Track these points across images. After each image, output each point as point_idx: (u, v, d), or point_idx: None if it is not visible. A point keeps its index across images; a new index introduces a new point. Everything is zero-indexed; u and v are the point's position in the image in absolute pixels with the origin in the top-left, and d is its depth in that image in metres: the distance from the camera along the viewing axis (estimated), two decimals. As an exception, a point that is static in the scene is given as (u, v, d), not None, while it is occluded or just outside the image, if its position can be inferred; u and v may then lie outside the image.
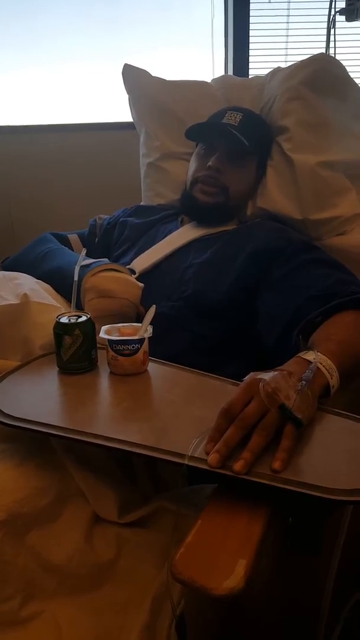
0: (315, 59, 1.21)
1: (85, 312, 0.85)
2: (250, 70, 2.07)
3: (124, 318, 0.96)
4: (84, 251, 1.00)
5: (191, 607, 0.59)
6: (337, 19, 1.65)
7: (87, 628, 0.67)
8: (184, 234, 1.17)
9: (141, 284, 1.03)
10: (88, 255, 1.05)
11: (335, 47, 1.67)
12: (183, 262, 1.10)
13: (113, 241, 1.30)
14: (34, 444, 0.73)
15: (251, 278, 1.01)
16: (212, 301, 1.02)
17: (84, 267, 0.99)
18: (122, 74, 1.41)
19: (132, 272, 1.11)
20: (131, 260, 1.16)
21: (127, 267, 1.11)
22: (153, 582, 0.68)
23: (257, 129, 1.22)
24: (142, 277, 1.09)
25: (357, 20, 1.62)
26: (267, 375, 0.66)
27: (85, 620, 0.67)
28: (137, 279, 1.06)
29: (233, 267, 1.04)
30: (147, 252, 1.16)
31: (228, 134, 1.15)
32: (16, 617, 0.65)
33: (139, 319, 0.87)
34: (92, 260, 1.03)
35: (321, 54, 1.29)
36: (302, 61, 1.23)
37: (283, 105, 1.22)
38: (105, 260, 1.05)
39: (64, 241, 1.31)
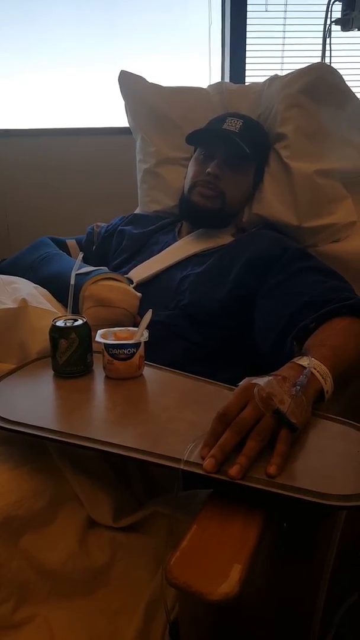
0: (314, 68, 1.22)
1: (82, 316, 0.85)
2: (246, 77, 2.09)
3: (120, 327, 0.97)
4: (80, 255, 1.01)
5: (186, 612, 0.59)
6: (332, 29, 1.67)
7: (80, 633, 0.66)
8: (183, 248, 1.18)
9: (139, 294, 1.03)
10: (85, 262, 1.05)
11: (331, 57, 1.69)
12: (180, 273, 1.11)
13: (111, 250, 1.31)
14: (28, 447, 0.72)
15: (247, 287, 1.02)
16: (208, 310, 1.02)
17: (84, 275, 0.99)
18: (118, 80, 1.41)
19: (130, 281, 1.11)
20: (129, 271, 1.16)
21: (125, 276, 1.12)
22: (147, 587, 0.68)
23: (256, 136, 1.23)
24: (140, 287, 1.10)
25: (352, 30, 1.64)
26: (261, 381, 0.66)
27: (78, 625, 0.67)
28: (134, 288, 1.07)
29: (229, 276, 1.04)
30: (145, 263, 1.17)
31: (229, 141, 1.16)
32: (9, 622, 0.65)
33: (136, 327, 0.88)
34: (92, 268, 1.03)
35: (320, 62, 1.30)
36: (300, 69, 1.24)
37: (282, 112, 1.23)
38: (105, 268, 1.06)
39: (62, 246, 1.31)
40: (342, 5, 1.63)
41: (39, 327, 0.87)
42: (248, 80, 2.09)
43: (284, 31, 2.06)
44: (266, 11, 2.03)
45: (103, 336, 0.84)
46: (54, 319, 0.83)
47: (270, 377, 0.67)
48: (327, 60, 1.69)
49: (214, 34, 2.08)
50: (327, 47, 1.69)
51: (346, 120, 1.26)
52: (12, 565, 0.65)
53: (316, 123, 1.22)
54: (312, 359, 0.72)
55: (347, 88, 1.25)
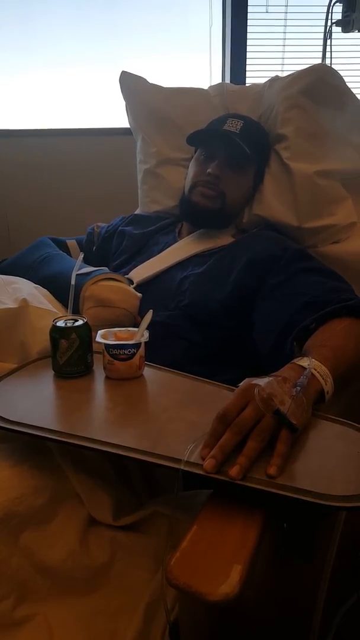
0: (314, 69, 1.22)
1: (82, 317, 0.85)
2: (247, 78, 2.09)
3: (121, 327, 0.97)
4: (81, 255, 1.01)
5: (186, 612, 0.59)
6: (333, 30, 1.67)
7: (79, 633, 0.66)
8: (183, 248, 1.18)
9: (139, 294, 1.03)
10: (85, 262, 1.05)
11: (331, 58, 1.69)
12: (181, 274, 1.11)
13: (112, 250, 1.31)
14: (29, 445, 0.73)
15: (247, 287, 1.02)
16: (208, 310, 1.02)
17: (84, 275, 0.99)
18: (120, 81, 1.41)
19: (130, 282, 1.11)
20: (130, 271, 1.16)
21: (126, 276, 1.12)
22: (147, 587, 0.68)
23: (257, 137, 1.23)
24: (140, 287, 1.10)
25: (352, 32, 1.64)
26: (262, 381, 0.66)
27: (77, 625, 0.67)
28: (135, 289, 1.07)
29: (229, 277, 1.05)
30: (145, 263, 1.17)
31: (229, 142, 1.16)
32: (9, 619, 0.65)
33: (136, 327, 0.88)
34: (92, 269, 1.03)
35: (320, 64, 1.30)
36: (301, 70, 1.24)
37: (282, 113, 1.23)
38: (105, 269, 1.06)
39: (62, 246, 1.32)
40: (343, 6, 1.64)
41: (40, 327, 0.87)
42: (249, 81, 2.10)
43: (284, 32, 2.06)
44: (267, 12, 2.03)
45: (103, 336, 0.84)
46: (55, 319, 0.83)
47: (271, 378, 0.67)
48: (327, 61, 1.69)
49: (215, 35, 2.08)
50: (328, 48, 1.69)
51: (346, 121, 1.27)
52: (11, 561, 0.65)
53: (316, 124, 1.22)
54: (313, 359, 0.73)
55: (348, 89, 1.26)
